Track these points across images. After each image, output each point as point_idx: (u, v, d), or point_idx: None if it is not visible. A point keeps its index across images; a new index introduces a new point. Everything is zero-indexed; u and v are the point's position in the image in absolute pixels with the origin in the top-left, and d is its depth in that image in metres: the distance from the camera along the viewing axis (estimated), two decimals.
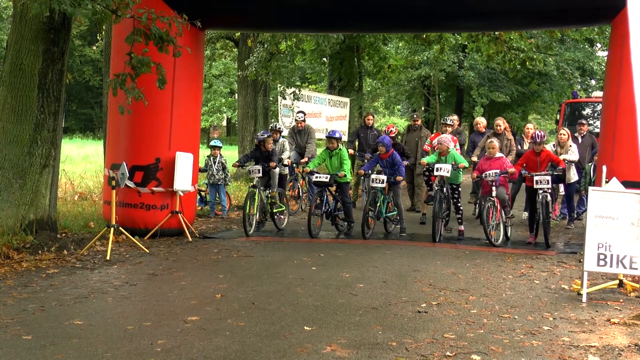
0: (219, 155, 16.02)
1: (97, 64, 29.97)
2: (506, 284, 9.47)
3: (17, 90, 11.40)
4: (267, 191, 13.89)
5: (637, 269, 8.52)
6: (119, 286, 8.96)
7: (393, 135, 14.93)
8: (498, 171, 12.34)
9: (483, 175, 12.59)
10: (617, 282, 8.91)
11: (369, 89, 33.06)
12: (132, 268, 10.16)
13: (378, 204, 13.18)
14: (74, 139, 38.53)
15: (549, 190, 12.00)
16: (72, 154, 24.31)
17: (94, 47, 31.29)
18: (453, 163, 13.09)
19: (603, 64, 27.27)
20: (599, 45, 30.42)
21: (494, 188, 12.39)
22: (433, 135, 15.99)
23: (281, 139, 15.94)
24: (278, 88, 20.90)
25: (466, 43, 25.44)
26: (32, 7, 10.18)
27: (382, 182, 12.96)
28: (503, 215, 12.66)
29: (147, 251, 11.20)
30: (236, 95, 30.62)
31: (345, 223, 13.91)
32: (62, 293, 8.50)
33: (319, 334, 6.94)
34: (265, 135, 14.25)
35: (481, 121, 16.10)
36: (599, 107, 16.31)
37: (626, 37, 11.06)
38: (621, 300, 8.58)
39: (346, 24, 14.43)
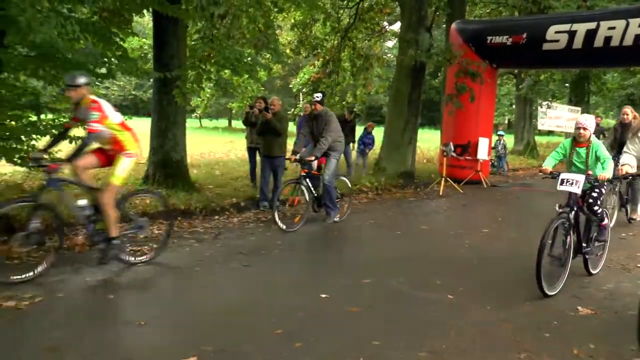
0: (502, 140, 14.87)
1: (437, 89, 29.69)
2: None
3: (397, 103, 11.75)
4: None
5: None
6: (445, 209, 8.88)
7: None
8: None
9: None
10: None
11: (593, 102, 28.94)
12: (453, 200, 9.95)
13: None
14: (424, 129, 38.46)
15: None
16: (423, 137, 24.16)
17: (436, 80, 30.97)
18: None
19: None
20: None
21: None
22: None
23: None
24: (538, 101, 19.27)
25: None
26: (405, 59, 10.42)
27: None
28: None
29: (462, 192, 10.88)
30: (514, 105, 29.19)
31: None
32: (415, 212, 8.64)
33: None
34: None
35: None
36: None
37: None
38: None
39: (582, 64, 12.39)
